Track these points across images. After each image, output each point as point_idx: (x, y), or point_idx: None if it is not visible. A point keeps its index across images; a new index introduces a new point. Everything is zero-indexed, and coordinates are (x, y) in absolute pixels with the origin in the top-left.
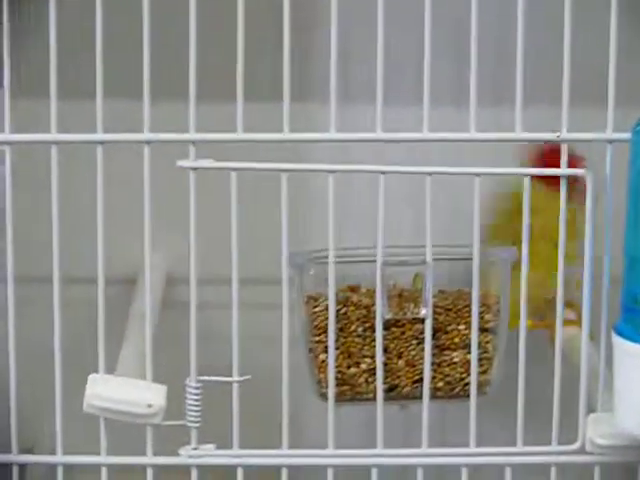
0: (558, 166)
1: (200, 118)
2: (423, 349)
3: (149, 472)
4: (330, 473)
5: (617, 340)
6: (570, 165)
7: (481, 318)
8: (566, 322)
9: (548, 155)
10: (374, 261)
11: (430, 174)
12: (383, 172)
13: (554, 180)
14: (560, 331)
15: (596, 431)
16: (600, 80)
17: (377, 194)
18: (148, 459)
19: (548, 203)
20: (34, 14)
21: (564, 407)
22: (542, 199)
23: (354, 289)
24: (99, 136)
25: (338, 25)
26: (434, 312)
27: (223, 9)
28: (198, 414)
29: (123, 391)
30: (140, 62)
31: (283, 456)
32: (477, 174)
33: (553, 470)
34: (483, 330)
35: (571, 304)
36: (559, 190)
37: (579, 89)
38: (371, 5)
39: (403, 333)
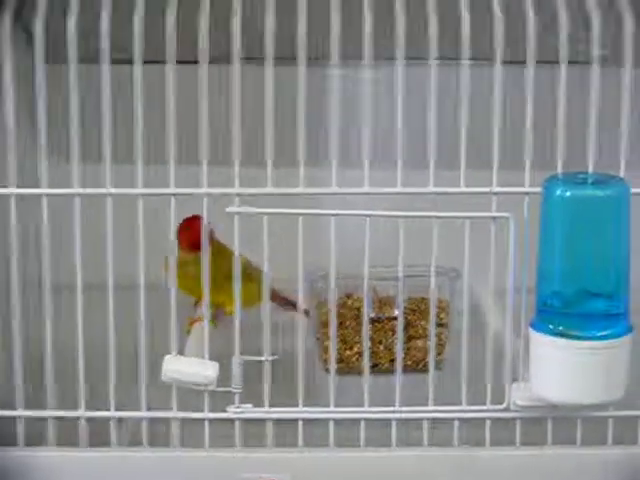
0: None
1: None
2: (397, 338)
3: (206, 423)
4: (331, 425)
5: (532, 332)
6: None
7: (437, 316)
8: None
9: (187, 225)
10: (362, 277)
11: (398, 217)
12: (367, 216)
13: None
14: (491, 327)
15: (517, 395)
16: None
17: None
18: (204, 414)
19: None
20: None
21: (496, 378)
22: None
23: (349, 296)
24: (172, 190)
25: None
26: (404, 312)
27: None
28: (240, 382)
29: (188, 367)
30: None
31: (299, 412)
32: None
33: (487, 423)
34: (439, 325)
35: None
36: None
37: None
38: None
39: (383, 327)
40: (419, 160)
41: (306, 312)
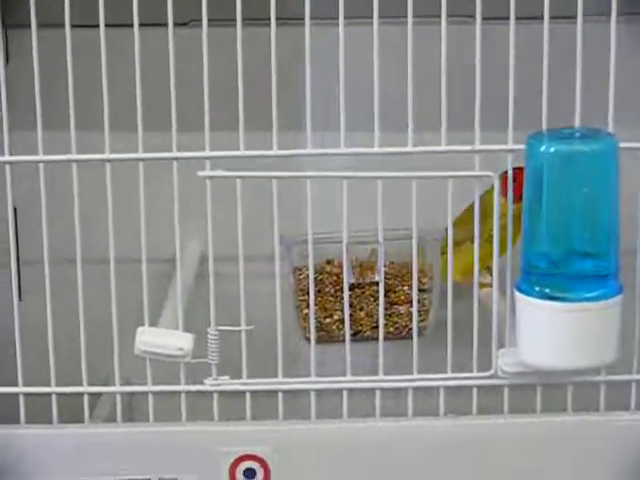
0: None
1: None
2: (378, 304)
3: (182, 397)
4: (312, 396)
5: (518, 295)
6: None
7: (419, 281)
8: (484, 285)
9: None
10: (341, 242)
11: (377, 178)
12: (346, 177)
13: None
14: (477, 290)
15: (504, 361)
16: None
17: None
18: (182, 387)
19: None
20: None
21: (482, 344)
22: (501, 206)
23: (329, 262)
24: (141, 155)
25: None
26: (385, 277)
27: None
28: (216, 354)
29: (161, 339)
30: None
31: (278, 383)
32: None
33: (474, 390)
34: (421, 290)
35: (490, 271)
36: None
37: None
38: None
39: (363, 293)
40: (401, 122)
41: None
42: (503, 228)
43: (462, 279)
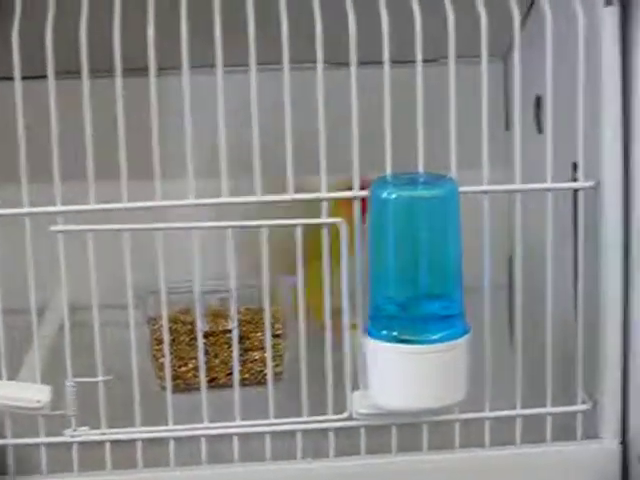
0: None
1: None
2: (232, 351)
3: (42, 449)
4: (171, 443)
5: (367, 340)
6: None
7: (273, 326)
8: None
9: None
10: (191, 292)
11: (226, 227)
12: (193, 228)
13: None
14: (329, 334)
15: (359, 403)
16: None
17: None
18: (40, 439)
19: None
20: None
21: (337, 386)
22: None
23: (182, 311)
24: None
25: None
26: (240, 324)
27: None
28: (74, 405)
29: (19, 392)
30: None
31: (137, 432)
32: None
33: (331, 433)
34: (275, 335)
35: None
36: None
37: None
38: None
39: (218, 340)
40: (247, 169)
41: None
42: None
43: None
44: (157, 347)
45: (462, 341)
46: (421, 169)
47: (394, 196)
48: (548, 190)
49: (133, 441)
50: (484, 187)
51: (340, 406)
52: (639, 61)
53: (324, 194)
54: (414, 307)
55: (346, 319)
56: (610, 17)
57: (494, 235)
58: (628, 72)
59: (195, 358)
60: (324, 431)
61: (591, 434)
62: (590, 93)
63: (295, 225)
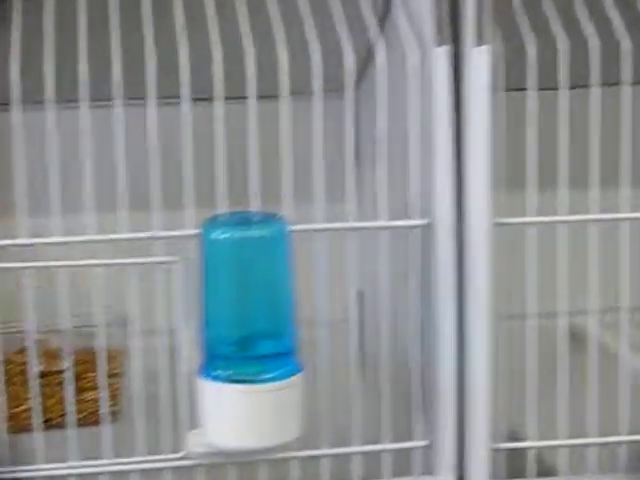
0: None
1: None
2: (67, 391)
3: None
4: None
5: (200, 380)
6: None
7: (109, 366)
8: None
9: None
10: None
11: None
12: (25, 267)
13: None
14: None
15: (194, 442)
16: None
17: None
18: None
19: None
20: None
21: (176, 425)
22: None
23: (18, 352)
24: None
25: None
26: (75, 364)
27: None
28: None
29: None
30: None
31: None
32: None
33: (168, 472)
34: (111, 375)
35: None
36: None
37: None
38: None
39: (52, 381)
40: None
41: None
42: None
43: None
44: None
45: (295, 379)
46: (255, 208)
47: (223, 236)
48: (382, 228)
49: None
50: (316, 225)
51: (180, 445)
52: (470, 98)
53: (158, 232)
54: (248, 346)
55: (186, 360)
56: (442, 56)
57: (345, 270)
58: (461, 109)
59: (29, 398)
60: (160, 471)
61: (428, 471)
62: (424, 131)
63: (128, 264)
